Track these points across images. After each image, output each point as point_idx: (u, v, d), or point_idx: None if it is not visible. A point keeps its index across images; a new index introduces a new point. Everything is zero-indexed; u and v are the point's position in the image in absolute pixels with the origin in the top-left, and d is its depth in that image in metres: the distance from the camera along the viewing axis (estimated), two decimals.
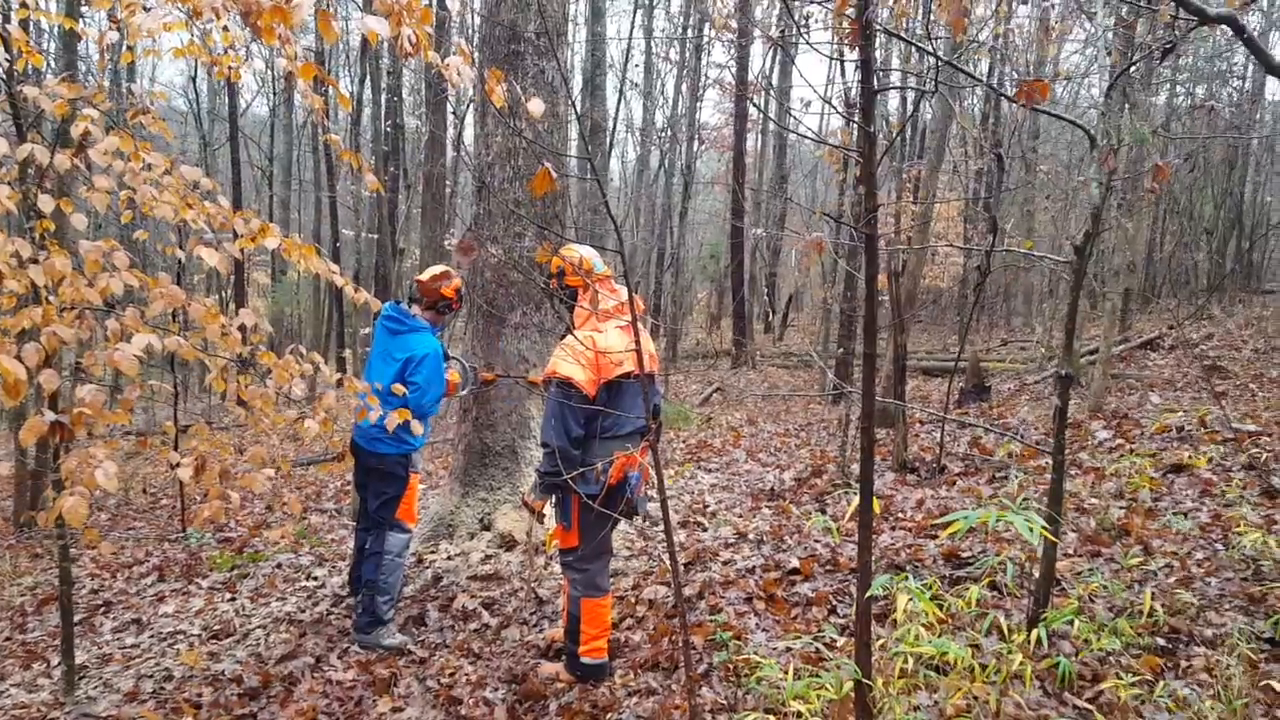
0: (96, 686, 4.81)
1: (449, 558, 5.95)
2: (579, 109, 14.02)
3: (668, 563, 4.54)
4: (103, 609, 6.40)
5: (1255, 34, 2.95)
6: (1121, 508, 5.56)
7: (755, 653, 3.97)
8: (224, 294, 22.88)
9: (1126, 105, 8.34)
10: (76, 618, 6.05)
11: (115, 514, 10.30)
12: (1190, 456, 6.45)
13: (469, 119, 17.19)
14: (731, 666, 3.93)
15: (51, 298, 3.20)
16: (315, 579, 6.38)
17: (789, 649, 3.99)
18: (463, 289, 5.18)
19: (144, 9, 3.16)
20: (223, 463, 3.48)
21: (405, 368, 4.81)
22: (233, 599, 6.18)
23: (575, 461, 3.85)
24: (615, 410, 3.92)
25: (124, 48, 3.71)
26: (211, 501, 3.41)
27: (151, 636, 5.63)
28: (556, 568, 5.66)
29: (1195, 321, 15.75)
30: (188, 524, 8.68)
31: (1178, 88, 17.72)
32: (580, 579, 4.09)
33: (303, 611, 5.60)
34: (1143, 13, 7.24)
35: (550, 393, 3.94)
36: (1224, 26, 3.00)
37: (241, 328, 3.65)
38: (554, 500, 4.10)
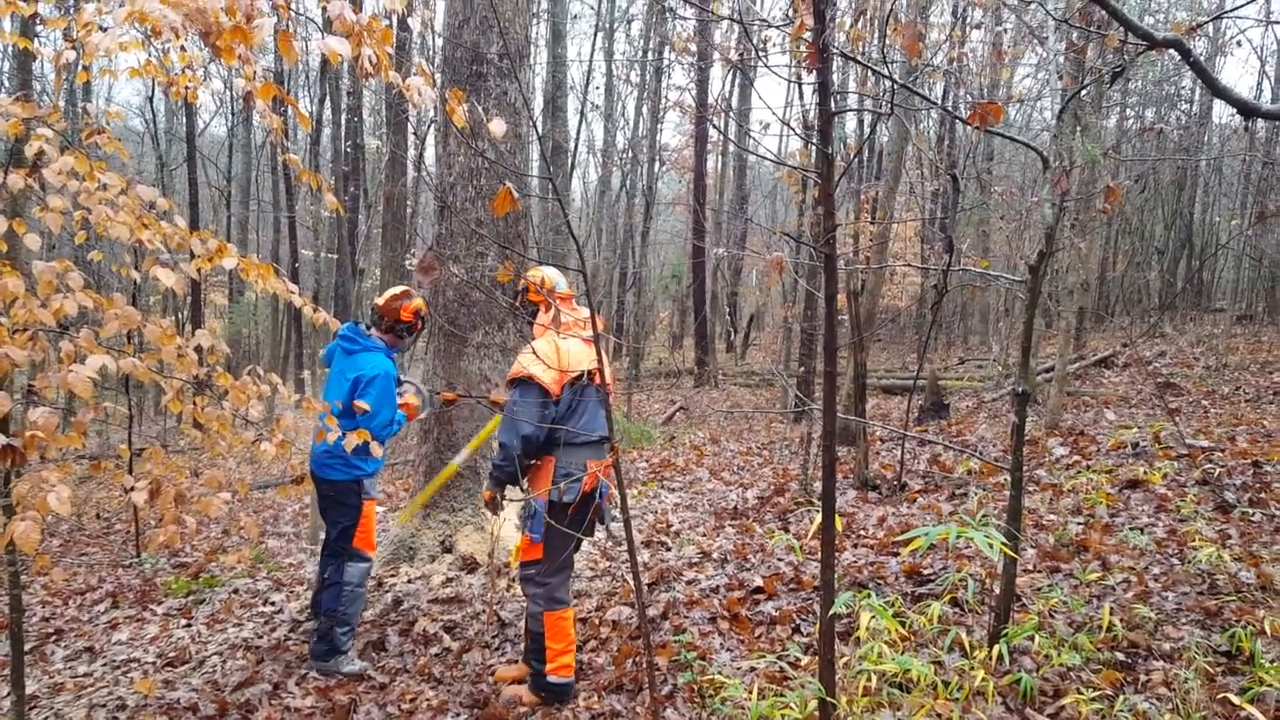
0: (48, 717, 4.69)
1: (410, 581, 5.89)
2: (540, 130, 14.03)
3: (631, 583, 4.53)
4: (54, 637, 6.26)
5: (1201, 58, 3.02)
6: (1079, 523, 5.63)
7: (720, 673, 3.96)
8: (180, 315, 22.60)
9: (1078, 127, 8.51)
10: (27, 646, 5.90)
11: (68, 539, 10.10)
12: (1146, 472, 6.55)
13: (430, 139, 17.17)
14: (696, 687, 3.92)
15: (4, 319, 3.14)
16: (272, 604, 6.28)
17: (753, 668, 3.99)
18: (423, 311, 5.05)
19: (100, 29, 3.12)
20: (178, 486, 3.43)
21: (355, 388, 4.68)
22: (188, 625, 6.07)
23: (525, 461, 3.94)
24: (579, 416, 3.97)
25: (80, 67, 3.66)
26: (166, 526, 3.35)
27: (105, 664, 5.51)
28: (519, 590, 5.63)
29: (1148, 339, 16.04)
30: (142, 549, 8.52)
31: (1128, 111, 18.12)
32: (541, 593, 4.07)
33: (260, 637, 5.51)
34: (1093, 38, 7.40)
35: (511, 395, 3.98)
36: (1171, 51, 3.08)
37: (198, 349, 3.60)
38: (526, 513, 4.06)
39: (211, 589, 6.95)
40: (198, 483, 3.70)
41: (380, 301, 4.98)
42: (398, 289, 5.04)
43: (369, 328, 4.96)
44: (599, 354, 3.24)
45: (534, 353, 3.90)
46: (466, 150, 6.02)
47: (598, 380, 3.77)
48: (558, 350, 3.92)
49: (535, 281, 4.10)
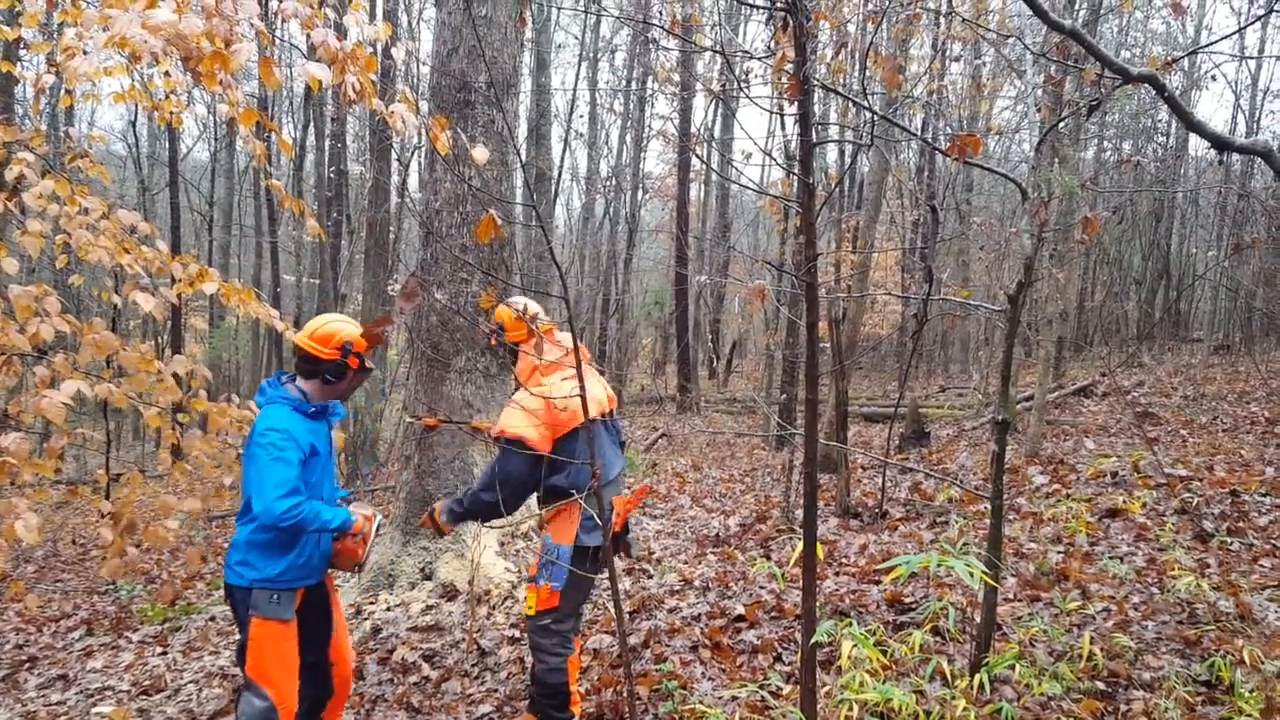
0: None
1: (388, 609, 5.84)
2: (524, 157, 14.09)
3: (612, 611, 4.50)
4: (27, 664, 6.16)
5: (1176, 93, 3.07)
6: (1059, 552, 5.64)
7: (701, 702, 3.93)
8: (161, 339, 22.44)
9: (1056, 159, 8.61)
10: (0, 674, 5.82)
11: (43, 565, 9.97)
12: (1125, 501, 6.57)
13: (414, 165, 17.21)
14: (677, 717, 3.89)
15: None
16: None
17: (735, 698, 3.97)
18: (351, 343, 3.52)
19: (83, 53, 3.12)
20: (131, 517, 3.39)
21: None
22: (164, 653, 5.99)
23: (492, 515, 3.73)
24: (599, 455, 3.81)
25: (63, 91, 3.66)
26: (110, 560, 3.31)
27: (79, 693, 5.42)
28: (499, 618, 5.58)
29: (1126, 369, 16.16)
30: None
31: (1105, 143, 18.33)
32: (558, 641, 3.77)
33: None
34: (1070, 72, 7.51)
35: (499, 449, 3.66)
36: (1146, 85, 3.12)
37: (175, 375, 3.57)
38: (546, 559, 3.74)
39: (188, 616, 6.87)
40: (175, 508, 3.66)
41: (299, 338, 3.59)
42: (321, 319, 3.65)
43: (292, 376, 3.60)
44: (582, 386, 3.06)
45: (518, 407, 3.63)
46: (452, 177, 6.04)
47: (596, 418, 3.65)
48: (548, 402, 3.59)
49: (513, 315, 3.74)
